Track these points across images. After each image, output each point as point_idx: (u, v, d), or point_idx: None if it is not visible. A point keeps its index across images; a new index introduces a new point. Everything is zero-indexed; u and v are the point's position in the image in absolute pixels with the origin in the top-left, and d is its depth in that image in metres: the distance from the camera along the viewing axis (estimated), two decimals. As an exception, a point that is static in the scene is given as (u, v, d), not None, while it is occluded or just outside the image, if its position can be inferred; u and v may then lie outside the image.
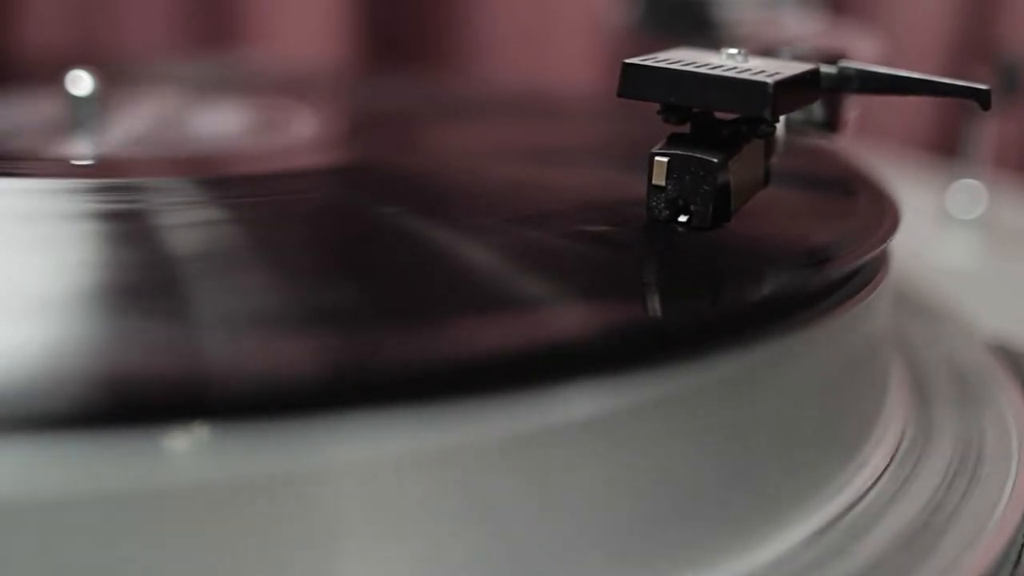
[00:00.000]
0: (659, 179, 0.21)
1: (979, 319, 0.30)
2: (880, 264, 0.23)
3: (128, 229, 0.22)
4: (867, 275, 0.22)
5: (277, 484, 0.14)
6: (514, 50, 0.66)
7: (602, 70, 0.64)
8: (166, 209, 0.24)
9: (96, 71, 0.32)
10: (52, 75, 0.33)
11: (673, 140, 0.22)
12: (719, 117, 0.22)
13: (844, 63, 0.23)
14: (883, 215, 0.24)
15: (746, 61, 0.22)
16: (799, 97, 0.22)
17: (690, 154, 0.21)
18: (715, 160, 0.21)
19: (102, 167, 0.30)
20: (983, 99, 0.22)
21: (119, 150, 0.32)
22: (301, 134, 0.34)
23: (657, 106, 0.22)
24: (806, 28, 0.37)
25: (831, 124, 0.27)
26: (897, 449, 0.22)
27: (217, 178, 0.27)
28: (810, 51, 0.28)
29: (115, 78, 0.35)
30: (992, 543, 0.19)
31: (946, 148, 0.59)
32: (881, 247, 0.23)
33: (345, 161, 0.32)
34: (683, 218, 0.22)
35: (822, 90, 0.23)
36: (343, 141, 0.36)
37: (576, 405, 0.16)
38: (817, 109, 0.26)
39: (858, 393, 0.22)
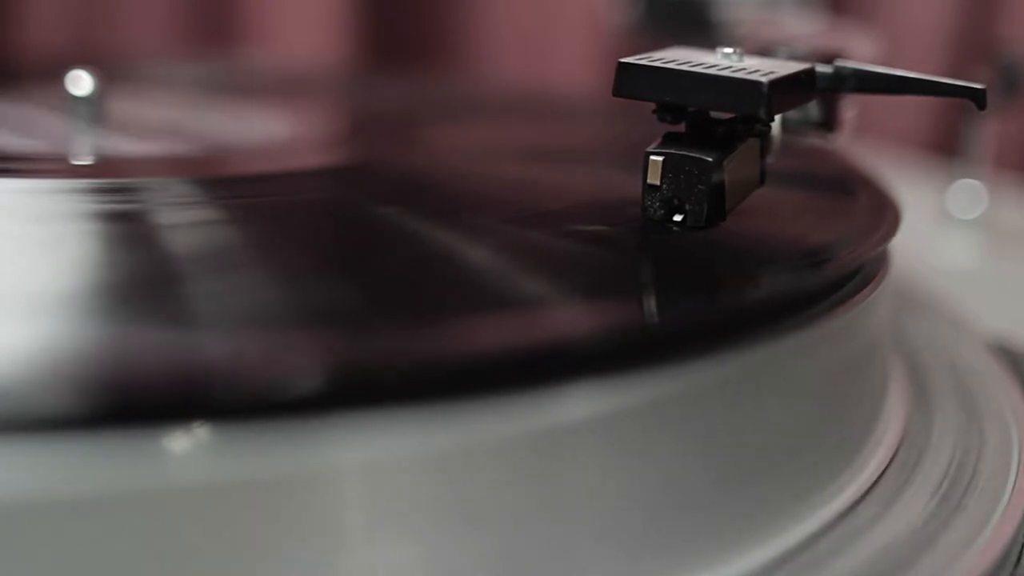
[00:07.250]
0: (654, 178, 0.22)
1: (979, 319, 0.30)
2: (880, 264, 0.23)
3: (128, 229, 0.22)
4: (867, 275, 0.22)
5: (278, 484, 0.14)
6: (514, 50, 0.66)
7: (602, 70, 0.64)
8: (166, 209, 0.24)
9: (96, 71, 0.32)
10: (52, 75, 0.33)
11: (668, 139, 0.22)
12: (714, 116, 0.22)
13: (840, 63, 0.23)
14: (883, 215, 0.24)
15: (741, 60, 0.22)
16: (794, 96, 0.22)
17: (685, 153, 0.21)
18: (710, 159, 0.21)
19: (102, 167, 0.30)
20: (979, 98, 0.22)
21: (119, 150, 0.32)
22: (301, 134, 0.34)
23: (653, 105, 0.22)
24: (805, 28, 0.37)
25: (827, 124, 0.27)
26: (897, 449, 0.22)
27: (217, 178, 0.27)
28: (807, 51, 0.28)
29: (115, 78, 0.35)
30: (992, 543, 0.19)
31: (946, 148, 0.59)
32: (881, 247, 0.23)
33: (345, 161, 0.32)
34: (678, 217, 0.22)
35: (818, 89, 0.23)
36: (343, 141, 0.36)
37: (574, 405, 0.16)
38: (813, 109, 0.26)
39: (858, 393, 0.22)
